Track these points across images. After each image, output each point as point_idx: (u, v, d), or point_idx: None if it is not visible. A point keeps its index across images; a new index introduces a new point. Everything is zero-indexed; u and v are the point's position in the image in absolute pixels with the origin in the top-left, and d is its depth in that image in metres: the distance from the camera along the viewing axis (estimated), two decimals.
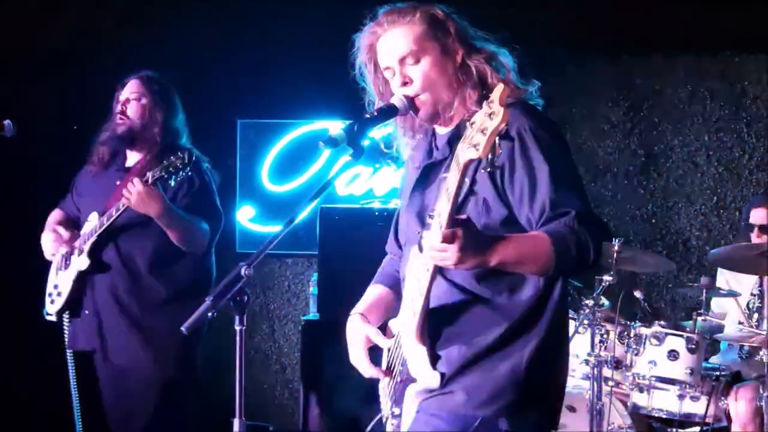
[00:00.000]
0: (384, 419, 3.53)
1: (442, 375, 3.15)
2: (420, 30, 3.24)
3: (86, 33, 7.53)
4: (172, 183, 4.94)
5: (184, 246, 5.09)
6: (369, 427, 3.65)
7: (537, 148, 3.09)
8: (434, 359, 3.17)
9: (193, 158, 4.85)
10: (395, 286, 3.52)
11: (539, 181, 3.07)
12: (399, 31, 3.25)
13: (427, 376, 3.17)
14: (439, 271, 3.07)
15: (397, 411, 3.36)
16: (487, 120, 2.66)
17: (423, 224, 3.17)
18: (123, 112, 5.16)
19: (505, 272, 3.09)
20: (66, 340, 5.24)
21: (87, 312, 5.14)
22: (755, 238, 6.30)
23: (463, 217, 2.88)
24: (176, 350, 5.08)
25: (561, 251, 2.99)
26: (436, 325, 3.17)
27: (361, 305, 3.53)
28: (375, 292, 3.58)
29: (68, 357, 5.25)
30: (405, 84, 3.25)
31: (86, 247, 5.10)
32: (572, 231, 3.00)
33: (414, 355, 3.21)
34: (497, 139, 2.67)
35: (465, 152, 2.72)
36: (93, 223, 5.13)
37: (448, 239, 2.82)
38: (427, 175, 3.32)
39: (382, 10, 3.34)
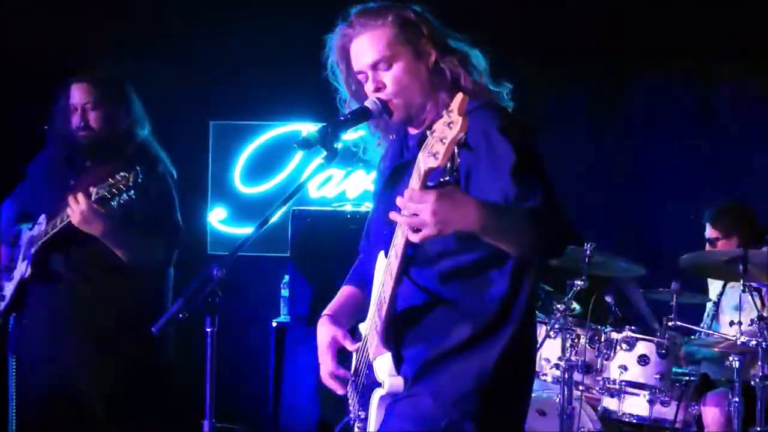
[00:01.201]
0: (351, 422, 3.52)
1: (406, 379, 3.15)
2: (392, 34, 3.22)
3: (57, 32, 7.50)
4: (115, 204, 4.64)
5: (133, 264, 4.88)
6: (337, 429, 3.64)
7: (502, 144, 3.04)
8: (399, 362, 3.17)
9: (139, 179, 4.58)
10: (366, 287, 3.49)
11: (501, 175, 3.00)
12: (371, 36, 3.24)
13: (392, 381, 3.17)
14: (403, 272, 3.07)
15: (362, 414, 3.35)
16: (447, 129, 2.66)
17: (390, 224, 3.05)
18: (86, 125, 4.92)
19: (470, 273, 3.09)
20: (10, 344, 5.04)
21: (27, 320, 4.97)
22: (707, 249, 6.41)
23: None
24: (128, 358, 4.92)
25: (540, 224, 2.91)
26: (400, 328, 3.17)
27: (332, 306, 3.53)
28: (345, 293, 3.58)
29: (10, 362, 5.05)
30: (378, 89, 3.24)
31: (30, 254, 4.93)
32: (535, 210, 2.93)
33: (379, 359, 3.21)
34: (456, 147, 2.68)
35: (425, 161, 2.73)
36: (41, 227, 4.93)
37: (420, 197, 2.76)
38: (397, 174, 3.29)
39: (354, 10, 3.33)
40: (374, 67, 3.24)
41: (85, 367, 4.89)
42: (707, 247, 6.46)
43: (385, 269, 3.11)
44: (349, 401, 3.52)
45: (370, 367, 3.26)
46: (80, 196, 4.62)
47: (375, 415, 3.25)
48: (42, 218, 4.96)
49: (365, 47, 3.25)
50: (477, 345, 3.12)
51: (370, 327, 3.27)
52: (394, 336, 3.16)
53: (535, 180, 2.99)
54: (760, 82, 7.71)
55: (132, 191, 4.59)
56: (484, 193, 2.97)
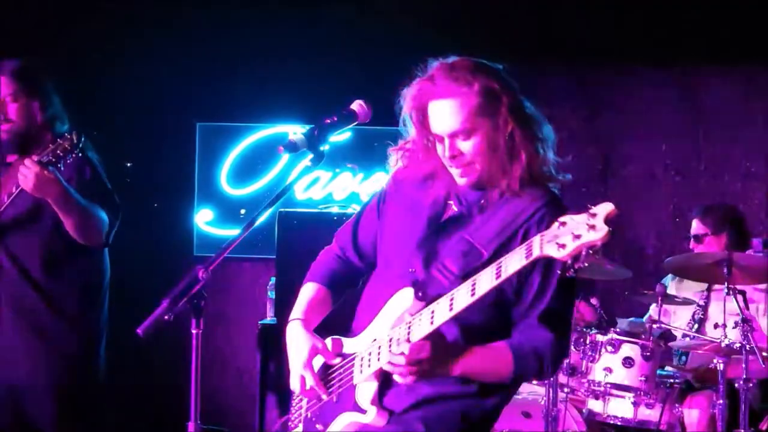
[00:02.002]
0: (291, 425, 3.56)
1: (392, 413, 3.22)
2: (475, 104, 3.17)
3: (42, 32, 7.49)
4: (61, 167, 4.57)
5: (80, 236, 4.77)
6: (275, 428, 3.64)
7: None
8: (383, 391, 3.24)
9: (82, 138, 4.53)
10: (333, 285, 3.55)
11: (548, 289, 3.19)
12: (453, 104, 3.18)
13: (377, 416, 3.22)
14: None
15: (320, 428, 3.37)
16: (585, 230, 2.71)
17: (427, 268, 3.24)
18: (5, 117, 4.80)
19: (482, 331, 3.20)
20: None
21: None
22: (692, 246, 6.42)
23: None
24: (76, 355, 4.86)
25: (519, 374, 3.20)
26: None
27: (302, 309, 3.51)
28: (313, 292, 3.57)
29: None
30: (454, 157, 3.22)
31: None
32: (537, 356, 3.17)
33: (364, 385, 3.25)
34: (584, 251, 2.73)
35: (545, 246, 2.77)
36: None
37: (415, 353, 3.05)
38: (446, 225, 3.31)
39: (437, 65, 3.26)
40: (453, 135, 3.21)
41: (25, 360, 4.82)
42: (692, 243, 6.45)
43: (406, 315, 3.18)
44: (299, 404, 3.54)
45: (349, 388, 3.29)
46: (29, 162, 4.53)
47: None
48: None
49: (446, 115, 3.19)
50: (478, 395, 3.25)
51: (364, 351, 3.28)
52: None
53: (562, 305, 3.22)
54: (747, 83, 7.74)
55: (78, 150, 4.54)
56: (523, 298, 3.20)
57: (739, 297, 5.84)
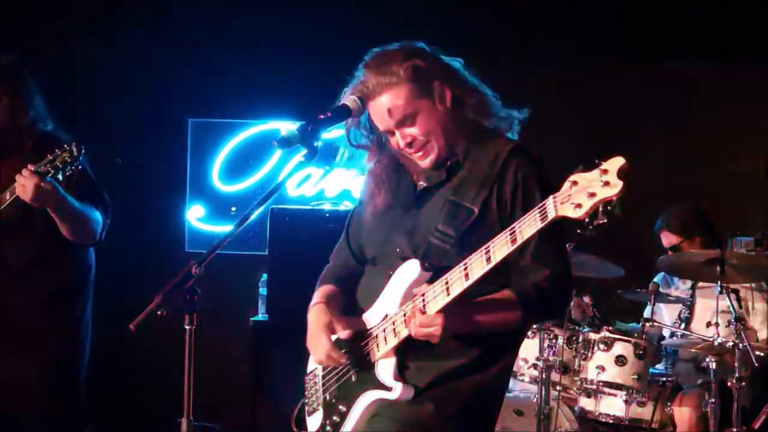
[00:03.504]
0: (308, 408, 3.58)
1: (415, 387, 3.24)
2: (408, 90, 3.27)
3: (31, 27, 7.48)
4: (60, 177, 4.56)
5: (76, 237, 4.78)
6: (295, 413, 3.65)
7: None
8: (401, 369, 3.26)
9: (82, 150, 4.52)
10: (341, 283, 3.57)
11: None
12: (388, 98, 3.28)
13: (404, 390, 3.23)
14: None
15: (343, 408, 3.39)
16: (599, 186, 2.71)
17: (413, 242, 3.30)
18: None
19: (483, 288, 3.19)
20: None
21: None
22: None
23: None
24: (60, 354, 4.87)
25: (526, 314, 3.22)
26: (410, 339, 3.22)
27: (321, 298, 3.53)
28: (325, 289, 3.58)
29: None
30: (410, 144, 3.32)
31: None
32: (538, 291, 3.18)
33: (384, 361, 3.27)
34: (600, 206, 2.73)
35: (560, 207, 2.78)
36: None
37: (430, 322, 3.09)
38: (422, 196, 3.38)
39: (366, 59, 3.37)
40: (399, 125, 3.30)
41: (10, 357, 4.81)
42: (670, 254, 6.43)
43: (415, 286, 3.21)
44: (314, 387, 3.55)
45: (368, 365, 3.31)
46: (27, 172, 4.51)
47: (359, 412, 3.34)
48: None
49: (386, 110, 3.30)
50: (480, 366, 3.27)
51: (377, 327, 3.31)
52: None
53: (554, 243, 3.22)
54: (741, 83, 7.74)
55: (78, 162, 4.53)
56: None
57: (732, 295, 5.84)
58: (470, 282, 3.02)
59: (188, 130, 8.04)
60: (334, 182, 7.90)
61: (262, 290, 6.91)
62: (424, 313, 3.11)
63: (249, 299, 7.64)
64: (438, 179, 3.35)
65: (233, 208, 7.96)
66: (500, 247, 2.95)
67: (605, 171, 2.72)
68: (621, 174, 2.71)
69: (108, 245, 5.06)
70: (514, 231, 2.91)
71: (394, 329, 3.23)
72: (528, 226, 2.88)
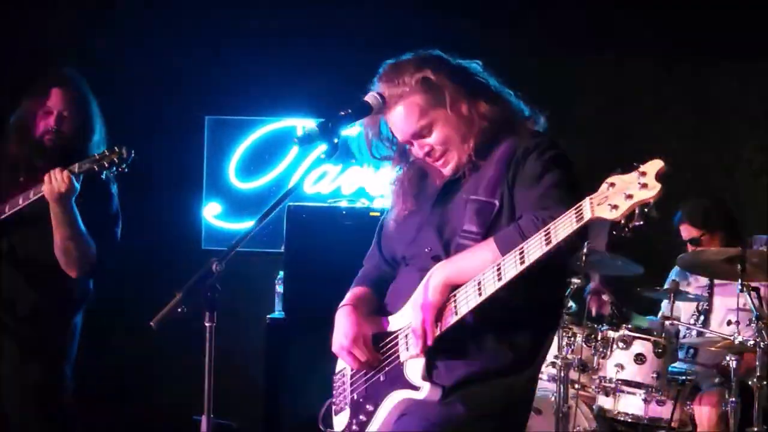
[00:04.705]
0: (335, 408, 3.57)
1: (443, 388, 3.23)
2: (421, 102, 3.30)
3: (52, 27, 7.48)
4: (104, 176, 4.67)
5: (63, 258, 4.78)
6: (322, 412, 3.65)
7: (551, 165, 3.20)
8: (430, 368, 3.24)
9: (132, 154, 4.59)
10: (375, 285, 3.57)
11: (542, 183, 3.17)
12: (402, 110, 3.31)
13: (431, 390, 3.23)
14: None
15: (371, 408, 3.38)
16: (637, 188, 2.72)
17: (442, 239, 3.31)
18: (58, 129, 4.84)
19: (521, 309, 3.20)
20: None
21: None
22: (689, 249, 6.39)
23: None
24: (53, 356, 4.90)
25: (507, 240, 3.08)
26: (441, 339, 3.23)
27: (347, 299, 3.54)
28: (357, 290, 3.59)
29: None
30: (428, 154, 3.36)
31: None
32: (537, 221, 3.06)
33: (413, 361, 3.26)
34: (637, 208, 2.73)
35: (596, 208, 2.78)
36: None
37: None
38: (446, 191, 3.40)
39: (378, 73, 3.39)
40: (416, 136, 3.34)
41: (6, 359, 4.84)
42: (689, 247, 6.41)
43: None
44: (341, 387, 3.55)
45: (397, 366, 3.31)
46: (66, 175, 4.58)
47: (387, 411, 3.33)
48: None
49: (401, 122, 3.34)
50: (512, 369, 3.26)
51: (408, 327, 3.30)
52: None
53: (561, 197, 3.11)
54: (758, 82, 7.70)
55: (125, 165, 4.59)
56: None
57: (753, 293, 5.79)
58: (503, 282, 3.01)
59: (205, 128, 8.03)
60: (350, 179, 7.88)
61: (279, 287, 6.90)
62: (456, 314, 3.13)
63: (266, 297, 7.63)
64: (460, 174, 3.36)
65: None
66: (535, 249, 2.94)
67: (643, 173, 2.73)
68: (659, 176, 2.71)
69: (124, 243, 5.07)
70: (549, 231, 2.90)
71: None
72: (563, 226, 2.87)
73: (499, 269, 3.02)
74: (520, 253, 2.97)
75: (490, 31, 7.22)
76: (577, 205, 2.83)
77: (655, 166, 2.73)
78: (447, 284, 3.15)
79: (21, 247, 4.87)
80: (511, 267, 2.99)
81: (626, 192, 2.73)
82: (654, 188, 2.70)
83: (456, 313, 3.13)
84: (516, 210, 3.20)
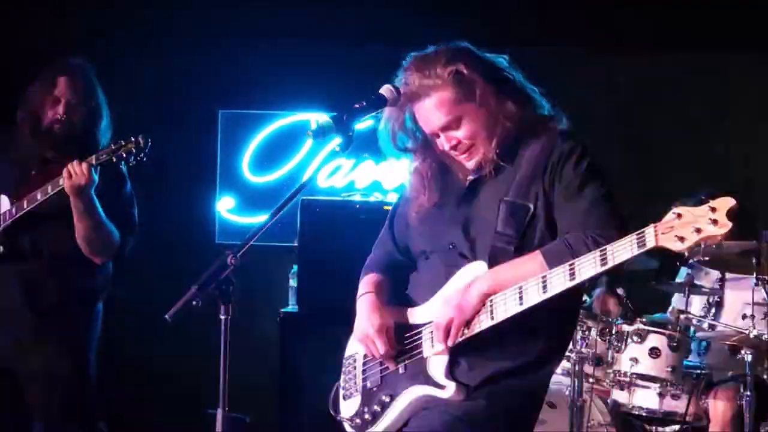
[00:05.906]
0: (344, 393, 3.58)
1: (467, 387, 3.25)
2: (451, 95, 3.30)
3: (65, 21, 7.49)
4: (123, 168, 4.74)
5: (88, 248, 4.82)
6: (331, 395, 3.66)
7: (589, 176, 3.25)
8: (452, 365, 3.27)
9: (149, 142, 4.61)
10: (389, 275, 3.56)
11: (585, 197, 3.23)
12: (432, 102, 3.31)
13: (456, 390, 3.24)
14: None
15: (386, 398, 3.39)
16: (707, 223, 2.75)
17: (469, 237, 3.32)
18: (68, 117, 4.85)
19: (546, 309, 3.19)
20: None
21: None
22: None
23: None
24: (78, 343, 4.92)
25: (554, 254, 3.13)
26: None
27: (366, 287, 3.54)
28: (373, 277, 3.58)
29: None
30: (455, 147, 3.35)
31: None
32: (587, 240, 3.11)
33: (436, 358, 3.28)
34: (703, 243, 2.81)
35: (661, 237, 2.82)
36: (4, 207, 4.86)
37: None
38: (473, 189, 3.40)
39: (405, 70, 3.37)
40: (444, 129, 3.33)
41: (22, 346, 4.84)
42: None
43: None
44: (351, 374, 3.56)
45: (419, 360, 3.32)
46: (85, 167, 4.60)
47: (404, 404, 3.34)
48: (4, 199, 4.90)
49: (430, 114, 3.33)
50: (533, 368, 3.30)
51: (430, 323, 3.32)
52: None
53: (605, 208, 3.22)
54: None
55: (143, 154, 4.61)
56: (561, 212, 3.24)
57: None
58: (548, 295, 3.04)
59: (218, 122, 8.05)
60: (364, 173, 7.88)
61: (292, 281, 6.89)
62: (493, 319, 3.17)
63: (279, 290, 7.64)
64: (487, 172, 3.35)
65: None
66: (588, 268, 2.97)
67: (714, 209, 2.76)
68: (730, 214, 2.75)
69: (139, 237, 5.07)
70: (606, 252, 2.93)
71: None
72: (623, 250, 2.90)
73: (545, 280, 3.05)
74: (570, 268, 3.00)
75: (490, 31, 7.22)
76: (640, 231, 2.87)
77: (726, 203, 2.77)
78: (488, 294, 3.18)
79: (42, 241, 4.88)
80: (559, 281, 3.02)
81: (696, 225, 2.77)
82: (724, 226, 2.74)
83: (492, 318, 3.16)
84: (556, 220, 3.23)
